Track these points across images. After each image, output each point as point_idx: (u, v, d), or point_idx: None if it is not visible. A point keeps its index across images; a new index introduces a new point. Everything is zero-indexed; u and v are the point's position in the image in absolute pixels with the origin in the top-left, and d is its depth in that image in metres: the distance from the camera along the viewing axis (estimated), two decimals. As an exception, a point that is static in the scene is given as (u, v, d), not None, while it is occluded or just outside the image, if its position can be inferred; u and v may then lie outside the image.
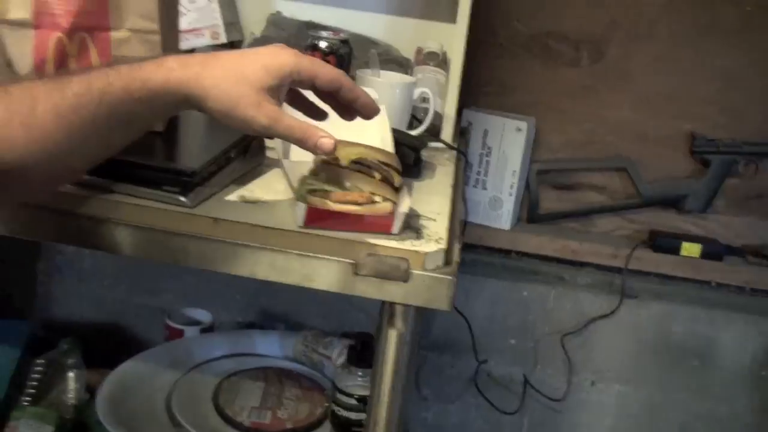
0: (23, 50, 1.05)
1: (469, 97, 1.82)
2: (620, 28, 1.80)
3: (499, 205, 1.82)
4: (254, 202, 1.08)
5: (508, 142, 1.79)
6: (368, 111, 0.98)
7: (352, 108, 0.97)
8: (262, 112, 0.86)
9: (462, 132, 1.77)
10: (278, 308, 2.02)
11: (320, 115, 1.02)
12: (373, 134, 1.21)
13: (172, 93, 0.85)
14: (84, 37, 1.04)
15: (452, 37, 1.51)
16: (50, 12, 1.02)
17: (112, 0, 1.03)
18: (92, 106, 0.80)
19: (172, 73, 0.84)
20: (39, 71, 1.05)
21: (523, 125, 1.79)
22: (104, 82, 0.81)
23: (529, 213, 1.88)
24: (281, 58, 0.88)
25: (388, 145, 1.18)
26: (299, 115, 0.99)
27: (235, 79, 0.86)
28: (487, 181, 1.82)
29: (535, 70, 1.83)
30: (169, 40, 1.09)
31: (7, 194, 0.82)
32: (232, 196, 1.08)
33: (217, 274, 1.01)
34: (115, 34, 1.04)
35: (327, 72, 0.91)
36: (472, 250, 1.85)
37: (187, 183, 1.02)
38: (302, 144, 0.92)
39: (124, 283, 2.06)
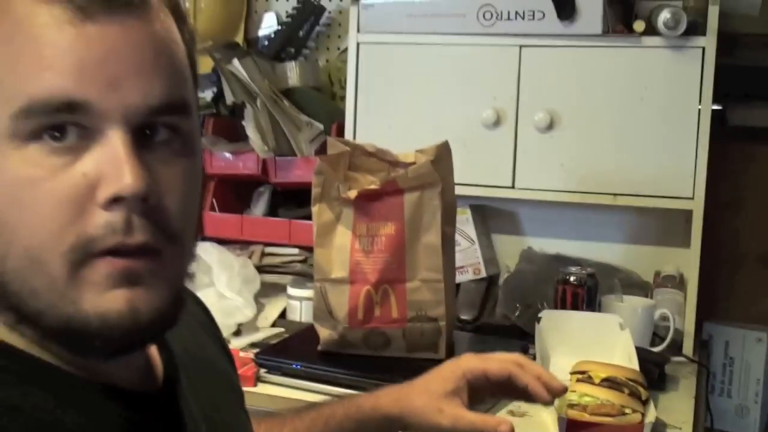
0: (341, 300, 1.38)
1: (708, 311, 1.96)
2: None
3: (746, 413, 1.91)
4: (521, 416, 1.31)
5: (749, 352, 1.91)
6: (553, 389, 1.02)
7: (527, 392, 1.03)
8: (443, 416, 1.02)
9: (703, 344, 1.91)
10: None
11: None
12: (621, 353, 1.41)
13: (379, 415, 1.05)
14: (386, 288, 1.35)
15: (687, 261, 1.70)
16: (362, 270, 1.35)
17: (408, 259, 1.34)
18: (319, 427, 1.05)
19: (378, 399, 1.06)
20: (352, 316, 1.37)
21: (763, 336, 1.90)
22: (331, 410, 1.06)
23: (780, 420, 1.95)
24: (454, 365, 1.05)
25: (634, 362, 1.37)
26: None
27: (421, 395, 1.04)
28: (732, 390, 1.93)
29: (772, 283, 1.96)
30: (449, 287, 1.39)
31: None
32: (502, 412, 1.32)
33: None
34: (409, 285, 1.35)
35: (495, 366, 1.03)
36: (723, 457, 1.93)
37: (468, 400, 1.26)
38: None
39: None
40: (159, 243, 0.62)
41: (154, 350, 0.75)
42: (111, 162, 0.59)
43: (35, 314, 0.62)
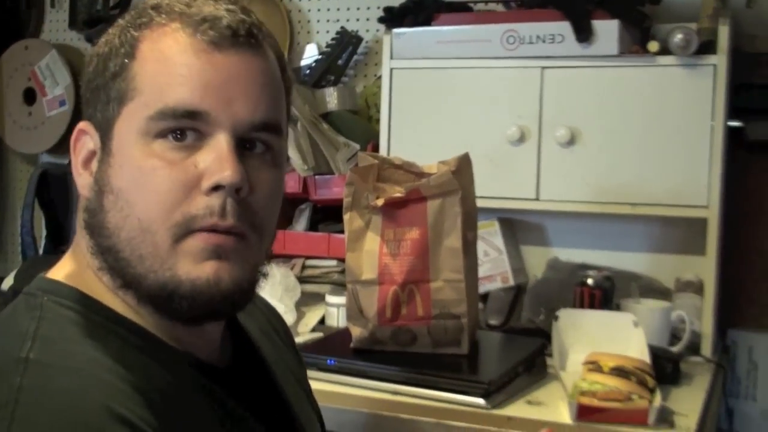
0: (370, 300, 1.49)
1: (733, 319, 2.04)
2: None
3: (771, 417, 1.98)
4: (538, 405, 1.40)
5: (773, 357, 1.98)
6: None
7: None
8: None
9: (726, 350, 1.98)
10: None
11: None
12: (634, 349, 1.50)
13: None
14: (412, 288, 1.47)
15: (706, 268, 1.79)
16: (389, 272, 1.47)
17: (431, 261, 1.45)
18: None
19: None
20: (381, 315, 1.48)
21: (786, 341, 1.97)
22: None
23: (805, 424, 2.00)
24: None
25: (646, 357, 1.46)
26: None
27: None
28: (756, 394, 2.00)
29: (795, 291, 2.03)
30: (471, 287, 1.50)
31: None
32: (521, 400, 1.42)
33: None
34: (433, 285, 1.46)
35: None
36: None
37: (487, 389, 1.37)
38: None
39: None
40: (244, 230, 0.79)
41: (227, 337, 0.91)
42: (216, 159, 0.77)
43: (138, 278, 0.78)
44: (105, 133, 0.80)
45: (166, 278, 0.77)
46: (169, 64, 0.78)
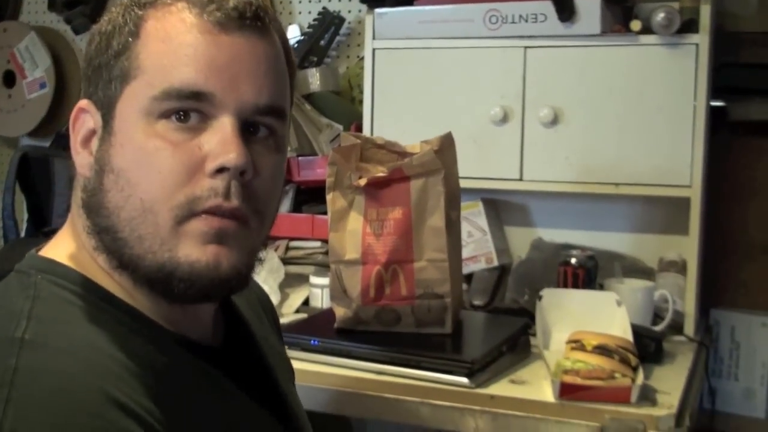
0: (353, 281, 1.49)
1: (716, 299, 2.05)
2: None
3: (752, 395, 1.99)
4: (521, 383, 1.41)
5: (755, 337, 1.99)
6: None
7: None
8: None
9: (709, 329, 1.99)
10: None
11: None
12: (617, 328, 1.50)
13: None
14: (395, 268, 1.47)
15: (688, 247, 1.79)
16: (373, 252, 1.47)
17: (415, 241, 1.45)
18: None
19: None
20: (364, 295, 1.48)
21: (768, 320, 1.98)
22: None
23: (786, 402, 2.02)
24: None
25: (629, 336, 1.47)
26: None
27: None
28: (738, 373, 2.01)
29: (777, 271, 2.04)
30: (455, 266, 1.49)
31: None
32: (505, 379, 1.42)
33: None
34: (417, 264, 1.46)
35: None
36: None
37: (470, 369, 1.37)
38: None
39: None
40: (247, 213, 0.78)
41: (219, 315, 0.91)
42: (221, 141, 0.76)
43: (135, 258, 0.77)
44: (107, 112, 0.79)
45: (165, 259, 0.77)
46: (175, 43, 0.77)
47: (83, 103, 0.82)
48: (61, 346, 0.72)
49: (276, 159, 0.83)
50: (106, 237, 0.78)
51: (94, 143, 0.81)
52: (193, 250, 0.76)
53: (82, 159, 0.81)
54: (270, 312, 1.12)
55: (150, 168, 0.76)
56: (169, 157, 0.76)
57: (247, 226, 0.79)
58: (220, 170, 0.76)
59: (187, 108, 0.77)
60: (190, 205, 0.76)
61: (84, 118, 0.82)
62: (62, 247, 0.83)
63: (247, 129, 0.79)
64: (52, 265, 0.81)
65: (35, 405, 0.66)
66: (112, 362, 0.72)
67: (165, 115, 0.76)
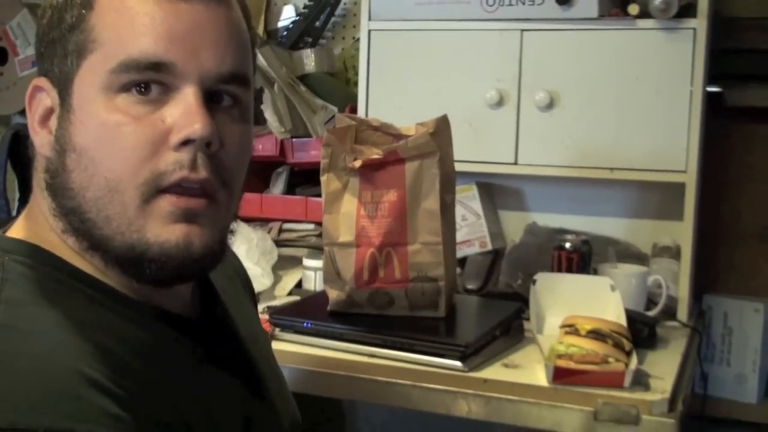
0: (347, 263, 1.48)
1: (709, 285, 2.05)
2: None
3: (743, 381, 1.99)
4: (515, 367, 1.40)
5: (747, 323, 1.99)
6: None
7: None
8: None
9: (702, 315, 1.99)
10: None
11: None
12: (611, 313, 1.50)
13: None
14: (389, 251, 1.46)
15: (683, 233, 1.79)
16: (367, 235, 1.46)
17: (409, 223, 1.44)
18: None
19: None
20: (358, 278, 1.47)
21: (760, 306, 1.98)
22: None
23: (777, 388, 2.02)
24: None
25: (622, 321, 1.46)
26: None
27: None
28: (731, 359, 2.01)
29: (769, 257, 2.04)
30: (449, 250, 1.49)
31: None
32: (498, 363, 1.41)
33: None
34: (411, 247, 1.45)
35: None
36: (721, 425, 2.01)
37: (463, 352, 1.36)
38: None
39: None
40: (215, 185, 0.77)
41: (195, 287, 0.89)
42: (185, 113, 0.74)
43: (105, 240, 0.75)
44: (64, 88, 0.77)
45: (134, 240, 0.75)
46: (131, 13, 0.74)
47: (39, 80, 0.79)
48: (33, 329, 0.70)
49: (242, 128, 0.80)
50: (74, 219, 0.77)
51: (53, 122, 0.78)
52: (162, 231, 0.75)
53: (41, 139, 0.79)
54: (245, 281, 1.10)
55: (112, 145, 0.74)
56: (132, 132, 0.73)
57: (215, 201, 0.77)
58: (185, 142, 0.74)
59: (148, 80, 0.74)
60: (156, 180, 0.74)
61: (40, 96, 0.79)
62: (26, 230, 0.81)
63: (210, 98, 0.77)
64: (17, 245, 0.78)
65: (9, 389, 0.65)
66: (86, 342, 0.71)
67: (125, 88, 0.74)
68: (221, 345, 0.88)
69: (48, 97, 0.79)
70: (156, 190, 0.74)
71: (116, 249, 0.75)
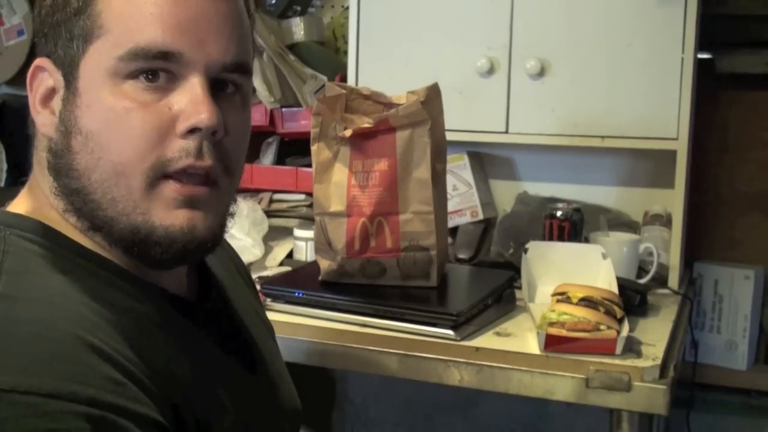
0: (338, 233, 1.48)
1: (699, 252, 2.05)
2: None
3: (734, 347, 2.00)
4: (507, 336, 1.41)
5: (738, 290, 2.00)
6: None
7: None
8: None
9: (693, 282, 2.00)
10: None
11: None
12: (603, 281, 1.50)
13: None
14: (381, 220, 1.45)
15: (674, 201, 1.79)
16: (358, 204, 1.45)
17: (400, 193, 1.44)
18: None
19: None
20: (349, 247, 1.47)
21: (751, 273, 1.99)
22: None
23: (767, 354, 2.04)
24: None
25: (614, 288, 1.46)
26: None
27: None
28: (721, 326, 2.02)
29: (760, 223, 2.04)
30: (440, 219, 1.48)
31: None
32: (490, 331, 1.42)
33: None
34: (402, 217, 1.45)
35: None
36: (711, 390, 2.03)
37: (455, 321, 1.36)
38: None
39: (403, 428, 2.41)
40: (218, 172, 0.79)
41: (192, 272, 0.91)
42: (192, 101, 0.76)
43: (108, 220, 0.77)
44: (69, 71, 0.78)
45: (139, 222, 0.77)
46: (138, 2, 0.76)
47: (41, 60, 0.80)
48: (35, 297, 0.71)
49: (243, 115, 0.83)
50: (77, 199, 0.78)
51: (56, 103, 0.79)
52: (166, 215, 0.77)
53: (43, 119, 0.80)
54: (243, 270, 1.13)
55: (120, 130, 0.75)
56: (140, 119, 0.75)
57: (218, 187, 0.80)
58: (192, 131, 0.76)
59: (155, 68, 0.76)
60: (162, 166, 0.76)
61: (42, 76, 0.80)
62: (29, 205, 0.82)
63: (214, 86, 0.79)
64: (20, 220, 0.79)
65: (11, 353, 0.65)
66: (87, 310, 0.72)
67: (132, 75, 0.76)
68: (218, 325, 0.90)
69: (50, 78, 0.79)
70: (161, 174, 0.76)
71: (121, 230, 0.77)
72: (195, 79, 0.76)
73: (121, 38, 0.75)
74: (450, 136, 1.57)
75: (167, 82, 0.76)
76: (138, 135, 0.75)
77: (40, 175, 0.81)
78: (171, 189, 0.76)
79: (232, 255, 1.11)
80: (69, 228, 0.79)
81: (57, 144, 0.78)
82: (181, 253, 0.78)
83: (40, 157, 0.81)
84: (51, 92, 0.79)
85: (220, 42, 0.78)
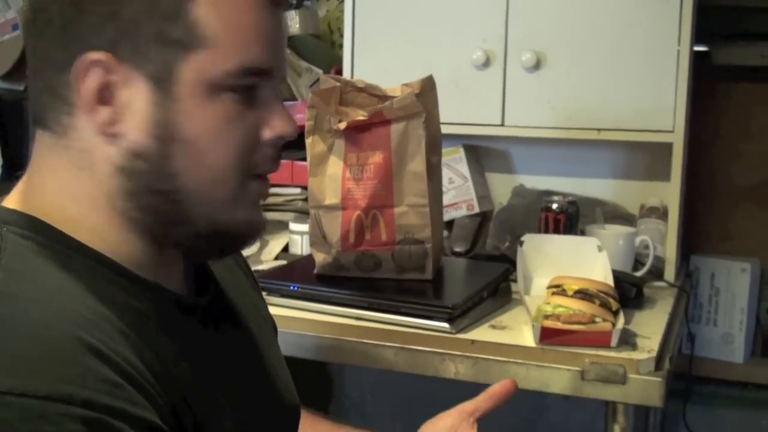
0: (333, 226, 1.47)
1: (695, 244, 2.05)
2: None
3: (730, 340, 2.00)
4: (502, 328, 1.40)
5: (734, 283, 1.99)
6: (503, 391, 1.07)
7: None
8: None
9: (689, 275, 2.00)
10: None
11: None
12: (598, 273, 1.50)
13: None
14: (376, 213, 1.45)
15: (670, 193, 1.79)
16: (353, 197, 1.45)
17: (395, 185, 1.43)
18: None
19: None
20: (344, 241, 1.46)
21: (747, 266, 1.98)
22: None
23: (763, 347, 2.03)
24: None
25: (610, 281, 1.46)
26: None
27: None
28: (717, 319, 2.02)
29: (756, 216, 2.04)
30: (435, 212, 1.48)
31: None
32: (485, 324, 1.41)
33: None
34: (397, 210, 1.44)
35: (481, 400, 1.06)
36: (708, 383, 2.03)
37: (451, 314, 1.36)
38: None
39: (400, 422, 2.41)
40: None
41: (190, 268, 0.91)
42: (278, 113, 0.82)
43: (193, 217, 0.81)
44: (161, 76, 0.76)
45: (226, 218, 0.82)
46: (240, 18, 0.78)
47: (101, 55, 0.75)
48: (32, 296, 0.70)
49: None
50: (158, 198, 0.79)
51: (140, 105, 0.76)
52: (250, 212, 0.83)
53: (101, 117, 0.77)
54: (243, 262, 1.12)
55: (222, 139, 0.79)
56: (240, 129, 0.80)
57: None
58: (276, 139, 0.82)
59: (252, 84, 0.80)
60: (251, 170, 0.82)
61: (97, 72, 0.76)
62: (25, 202, 0.81)
63: None
64: (18, 217, 0.78)
65: (7, 354, 0.65)
66: (86, 309, 0.71)
67: (231, 88, 0.79)
68: (216, 321, 0.90)
69: (111, 74, 0.76)
70: (248, 176, 0.82)
71: (204, 228, 0.81)
72: (276, 91, 0.83)
73: (228, 52, 0.78)
74: (446, 129, 1.56)
75: (257, 94, 0.81)
76: (237, 144, 0.80)
77: (69, 174, 0.79)
78: (256, 187, 0.83)
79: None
80: (78, 225, 0.78)
81: (146, 147, 0.77)
82: (246, 245, 0.88)
83: (77, 158, 0.79)
84: (105, 89, 0.76)
85: (285, 56, 0.86)
